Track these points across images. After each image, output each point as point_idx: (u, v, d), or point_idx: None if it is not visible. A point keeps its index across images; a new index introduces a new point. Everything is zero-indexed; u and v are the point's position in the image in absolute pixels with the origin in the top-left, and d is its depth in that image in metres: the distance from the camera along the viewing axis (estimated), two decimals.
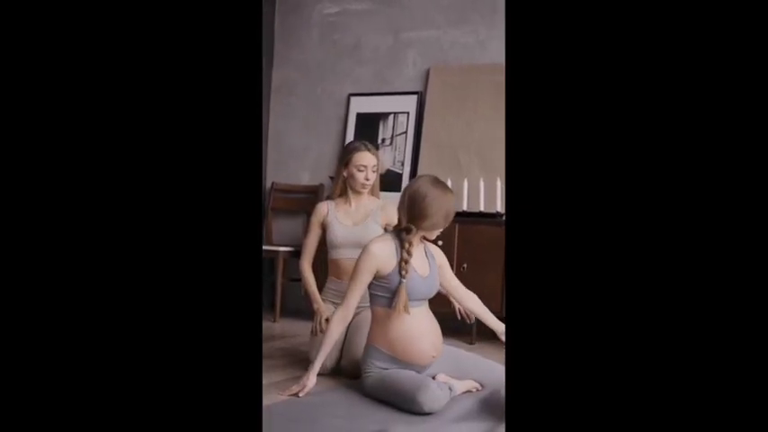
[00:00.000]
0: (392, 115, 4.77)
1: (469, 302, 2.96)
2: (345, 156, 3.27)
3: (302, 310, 4.37)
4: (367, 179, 3.23)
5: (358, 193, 3.27)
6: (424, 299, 2.71)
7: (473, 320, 3.01)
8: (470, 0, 4.61)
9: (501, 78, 4.39)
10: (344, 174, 3.27)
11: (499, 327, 2.91)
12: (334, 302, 3.25)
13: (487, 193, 4.15)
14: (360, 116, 4.85)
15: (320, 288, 3.31)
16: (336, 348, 3.00)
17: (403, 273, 2.59)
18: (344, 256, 3.23)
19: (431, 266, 2.76)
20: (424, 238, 2.74)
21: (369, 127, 4.80)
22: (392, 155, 4.72)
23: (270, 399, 2.51)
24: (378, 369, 2.63)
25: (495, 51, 4.50)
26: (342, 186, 3.30)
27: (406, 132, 4.70)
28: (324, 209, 3.31)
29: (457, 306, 3.12)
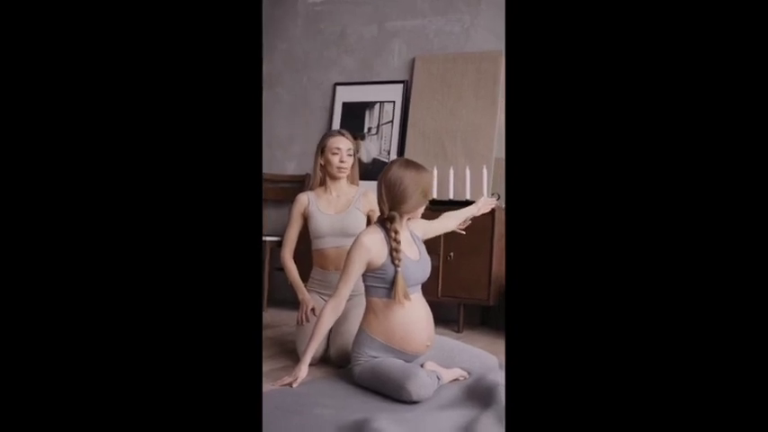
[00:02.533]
0: (378, 104, 4.77)
1: (451, 220, 3.09)
2: (320, 143, 3.30)
3: (289, 299, 4.38)
4: (342, 161, 3.24)
5: (336, 179, 3.28)
6: (419, 284, 2.72)
7: (468, 222, 3.21)
8: None
9: (486, 66, 4.40)
10: (321, 161, 3.29)
11: (474, 207, 3.17)
12: (319, 292, 3.26)
13: (473, 181, 4.16)
14: (346, 105, 4.85)
15: (304, 279, 3.31)
16: (323, 338, 3.01)
17: (396, 262, 2.60)
18: (329, 245, 3.24)
19: (419, 249, 2.78)
20: (409, 221, 2.75)
21: (355, 116, 4.80)
22: (378, 144, 4.72)
23: None
24: (368, 358, 2.64)
25: (480, 40, 4.51)
26: (320, 176, 3.31)
27: (392, 121, 4.71)
28: (304, 199, 3.31)
29: (456, 228, 3.20)
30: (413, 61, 4.70)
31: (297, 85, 5.14)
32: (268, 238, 4.61)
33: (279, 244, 4.60)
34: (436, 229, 3.01)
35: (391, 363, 2.58)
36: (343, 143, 3.27)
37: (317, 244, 3.28)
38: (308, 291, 3.26)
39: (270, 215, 5.09)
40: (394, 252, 2.61)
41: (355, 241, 2.67)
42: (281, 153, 5.14)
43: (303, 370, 2.67)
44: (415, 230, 2.84)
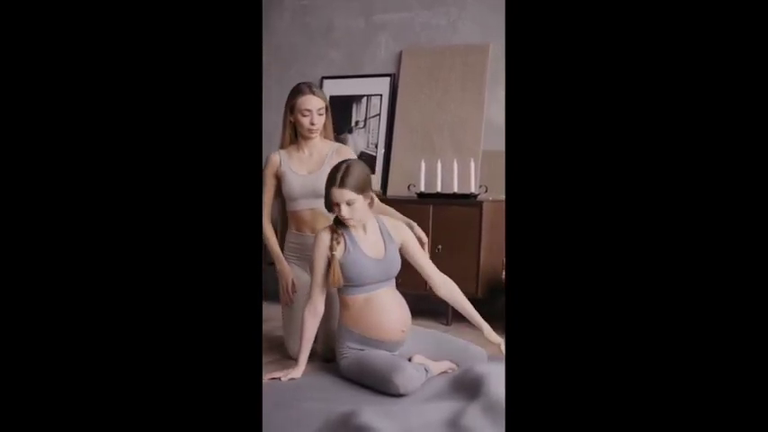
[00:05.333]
0: (365, 98, 4.77)
1: (442, 290, 2.87)
2: (289, 100, 3.14)
3: (279, 293, 4.37)
4: (312, 123, 3.10)
5: (307, 138, 3.15)
6: (381, 281, 2.70)
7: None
8: None
9: (473, 59, 4.40)
10: (291, 119, 3.15)
11: (484, 327, 2.82)
12: (297, 258, 3.17)
13: (461, 174, 4.17)
14: (333, 99, 4.84)
15: (281, 243, 3.23)
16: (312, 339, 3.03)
17: (332, 251, 2.65)
18: (303, 207, 3.14)
19: (387, 247, 2.74)
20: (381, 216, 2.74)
21: (342, 110, 4.80)
22: (366, 137, 4.72)
23: None
24: (352, 351, 2.66)
25: (467, 32, 4.51)
26: (290, 133, 3.18)
27: (379, 115, 4.71)
28: (276, 159, 3.17)
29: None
30: (400, 54, 4.70)
31: (284, 78, 5.12)
32: None
33: None
34: (423, 267, 2.81)
35: (377, 355, 2.59)
36: (313, 103, 3.10)
37: (291, 206, 3.16)
38: (286, 258, 3.18)
39: None
40: (333, 234, 2.68)
41: (316, 236, 2.73)
42: (269, 147, 5.13)
43: (298, 372, 2.68)
44: (393, 233, 2.79)
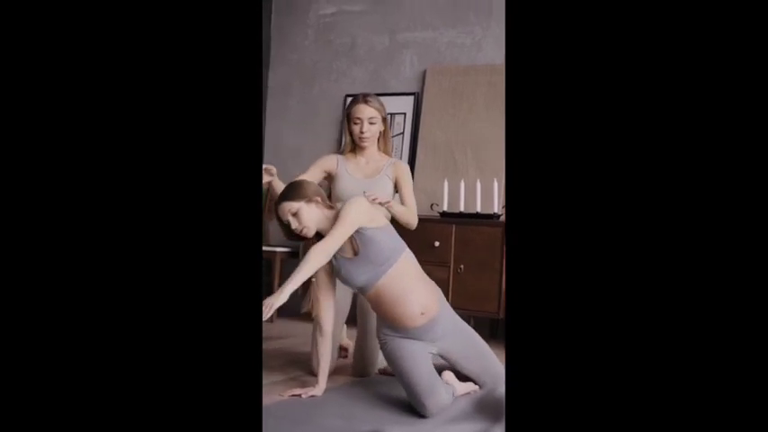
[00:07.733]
0: (389, 116, 4.76)
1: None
2: (346, 110, 3.19)
3: (299, 310, 4.37)
4: (362, 132, 3.09)
5: (361, 147, 3.15)
6: (372, 274, 2.60)
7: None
8: (466, 1, 4.61)
9: (497, 79, 4.40)
10: (348, 128, 3.17)
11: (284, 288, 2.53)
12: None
13: (484, 193, 4.15)
14: None
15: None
16: (334, 349, 3.02)
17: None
18: None
19: (359, 245, 2.65)
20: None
21: None
22: None
23: (267, 399, 2.51)
24: (389, 337, 2.63)
25: (491, 52, 4.51)
26: (351, 142, 3.18)
27: (402, 133, 4.70)
28: (333, 159, 3.18)
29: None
30: (424, 73, 4.71)
31: (307, 95, 5.14)
32: (278, 249, 4.60)
33: (289, 254, 4.59)
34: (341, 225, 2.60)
35: (417, 366, 2.53)
36: (364, 112, 3.10)
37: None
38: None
39: None
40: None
41: None
42: (291, 164, 5.14)
43: (318, 390, 2.67)
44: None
